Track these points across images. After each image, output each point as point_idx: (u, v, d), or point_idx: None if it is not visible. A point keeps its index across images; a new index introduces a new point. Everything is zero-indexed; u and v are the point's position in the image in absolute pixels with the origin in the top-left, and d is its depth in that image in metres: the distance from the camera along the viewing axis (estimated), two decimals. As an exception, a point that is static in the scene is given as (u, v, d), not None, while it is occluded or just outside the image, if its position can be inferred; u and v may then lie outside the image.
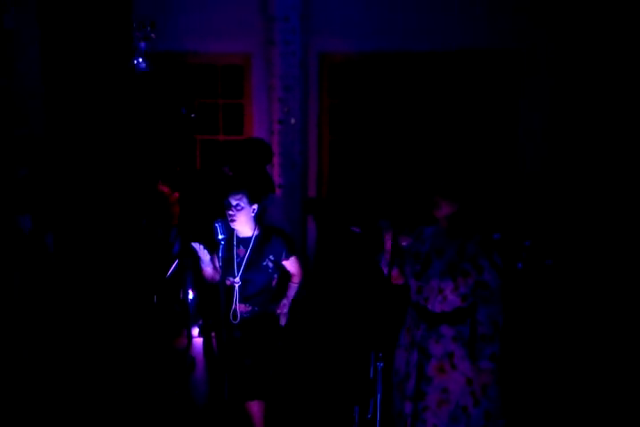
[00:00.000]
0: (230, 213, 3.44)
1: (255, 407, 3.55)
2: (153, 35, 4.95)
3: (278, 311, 3.60)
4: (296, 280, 3.65)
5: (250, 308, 3.53)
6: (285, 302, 3.62)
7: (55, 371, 3.74)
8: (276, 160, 5.65)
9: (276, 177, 5.65)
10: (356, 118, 6.05)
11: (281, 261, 3.54)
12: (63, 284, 3.75)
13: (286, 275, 3.66)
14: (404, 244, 3.08)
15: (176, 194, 5.50)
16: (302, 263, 3.69)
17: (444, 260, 2.92)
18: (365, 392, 2.88)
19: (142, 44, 4.93)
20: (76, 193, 3.66)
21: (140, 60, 4.96)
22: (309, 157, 5.88)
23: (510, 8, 5.62)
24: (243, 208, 3.44)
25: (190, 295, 5.36)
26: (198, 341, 5.30)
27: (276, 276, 3.58)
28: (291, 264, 3.58)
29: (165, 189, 5.48)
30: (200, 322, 5.36)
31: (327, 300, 5.74)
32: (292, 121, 5.40)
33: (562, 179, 5.64)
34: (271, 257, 3.51)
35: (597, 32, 5.39)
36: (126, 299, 4.82)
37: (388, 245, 2.99)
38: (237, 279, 3.51)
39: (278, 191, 5.63)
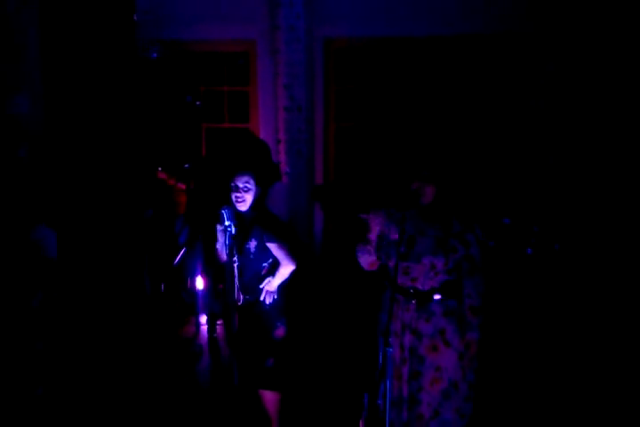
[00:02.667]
0: (237, 194, 3.44)
1: (268, 396, 3.56)
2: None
3: (261, 286, 3.52)
4: (283, 268, 3.52)
5: (242, 296, 3.54)
6: (270, 279, 3.51)
7: (62, 359, 3.74)
8: (282, 147, 5.61)
9: (283, 165, 5.62)
10: (363, 104, 6.00)
11: (265, 243, 3.46)
12: (67, 273, 3.74)
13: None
14: (394, 236, 3.03)
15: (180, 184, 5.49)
16: (296, 253, 3.56)
17: (428, 237, 2.93)
18: (374, 378, 2.88)
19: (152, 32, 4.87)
20: (78, 183, 3.64)
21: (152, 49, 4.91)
22: (316, 143, 5.83)
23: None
24: (250, 189, 3.45)
25: (199, 283, 5.35)
26: (205, 328, 5.30)
27: (265, 265, 3.53)
28: (275, 250, 3.49)
29: (166, 177, 5.46)
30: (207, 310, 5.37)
31: (335, 286, 5.73)
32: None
33: (571, 164, 5.59)
34: (253, 240, 3.47)
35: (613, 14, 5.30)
36: (133, 288, 4.83)
37: (374, 235, 3.02)
38: (235, 260, 3.50)
39: (284, 178, 5.61)
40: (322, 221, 6.05)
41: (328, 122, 5.99)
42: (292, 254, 3.52)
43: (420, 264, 2.92)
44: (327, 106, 5.95)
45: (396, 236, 2.90)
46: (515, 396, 4.00)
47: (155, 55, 4.90)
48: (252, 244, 3.48)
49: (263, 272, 3.52)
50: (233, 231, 3.25)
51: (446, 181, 2.93)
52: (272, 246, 3.48)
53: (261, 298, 3.51)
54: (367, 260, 3.10)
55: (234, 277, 3.50)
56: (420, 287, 2.94)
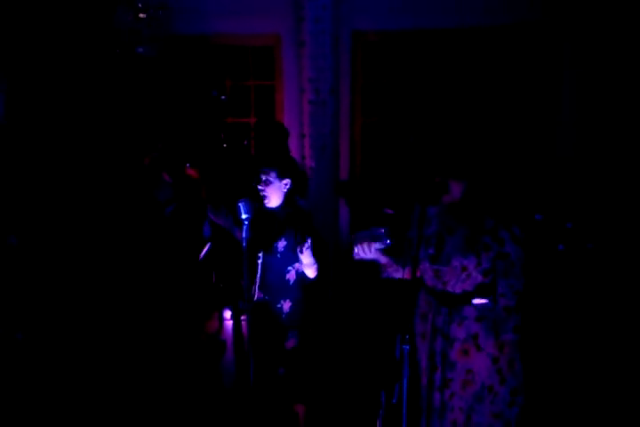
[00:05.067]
0: (260, 187, 3.37)
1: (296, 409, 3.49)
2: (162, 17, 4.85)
3: (279, 306, 3.41)
4: (308, 273, 3.37)
5: (261, 295, 3.45)
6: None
7: (91, 350, 3.76)
8: (306, 142, 5.55)
9: (307, 159, 5.56)
10: (390, 98, 5.90)
11: (296, 246, 3.29)
12: (97, 269, 3.75)
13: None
14: (382, 246, 2.86)
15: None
16: (322, 256, 3.41)
17: (457, 236, 2.76)
18: (391, 377, 2.79)
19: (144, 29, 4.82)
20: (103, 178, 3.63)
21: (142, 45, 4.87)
22: (341, 138, 5.75)
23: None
24: (272, 183, 3.36)
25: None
26: (229, 324, 5.28)
27: (290, 268, 3.41)
28: (303, 254, 3.28)
29: (193, 173, 5.44)
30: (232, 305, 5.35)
31: (357, 283, 5.66)
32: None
33: (605, 161, 5.40)
34: (283, 240, 3.38)
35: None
36: (158, 282, 4.83)
37: (372, 255, 2.82)
38: (260, 255, 3.43)
39: (309, 173, 5.54)
40: (347, 216, 5.97)
41: (354, 116, 5.91)
42: (318, 263, 3.36)
43: (449, 266, 2.76)
44: (353, 100, 5.87)
45: (387, 242, 2.75)
46: (562, 398, 3.86)
47: (154, 52, 4.84)
48: (282, 243, 3.38)
49: (287, 276, 3.41)
50: (246, 224, 3.17)
51: (475, 177, 2.76)
52: (301, 249, 3.30)
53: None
54: (401, 275, 2.91)
55: (256, 273, 3.43)
56: (450, 290, 2.80)
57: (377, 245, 2.78)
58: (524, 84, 5.65)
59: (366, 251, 2.81)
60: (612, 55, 5.29)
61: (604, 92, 5.36)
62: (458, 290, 2.78)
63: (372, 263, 2.95)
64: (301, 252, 3.19)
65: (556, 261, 4.68)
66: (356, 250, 2.84)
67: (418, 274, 2.91)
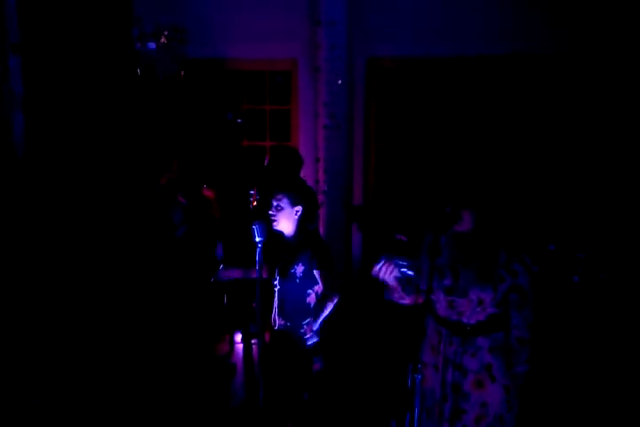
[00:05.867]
0: (271, 212, 3.40)
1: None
2: (180, 41, 4.95)
3: (302, 331, 3.41)
4: (329, 300, 3.38)
5: (283, 321, 3.45)
6: (310, 319, 3.40)
7: (96, 370, 3.75)
8: (320, 166, 5.59)
9: (321, 183, 5.59)
10: (404, 125, 5.94)
11: (312, 270, 3.36)
12: (109, 289, 3.76)
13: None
14: (409, 273, 2.86)
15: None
16: (335, 280, 3.44)
17: (472, 268, 2.76)
18: (402, 406, 2.76)
19: (152, 46, 4.91)
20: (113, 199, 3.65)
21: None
22: (355, 163, 5.78)
23: (561, 13, 5.42)
24: (283, 209, 3.38)
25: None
26: (240, 347, 5.26)
27: (310, 291, 3.40)
28: (319, 278, 3.37)
29: (209, 194, 5.47)
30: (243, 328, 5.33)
31: (374, 311, 5.63)
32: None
33: (616, 190, 5.39)
34: (300, 265, 3.38)
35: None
36: (169, 304, 4.84)
37: (390, 281, 2.79)
38: (276, 283, 3.44)
39: (322, 198, 5.56)
40: (360, 241, 5.98)
41: (369, 141, 5.95)
42: (335, 284, 3.40)
43: (466, 298, 2.75)
44: (368, 125, 5.92)
45: (406, 266, 2.74)
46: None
47: (160, 73, 4.92)
48: (299, 268, 3.38)
49: (308, 300, 3.41)
50: (260, 247, 3.19)
51: (486, 206, 2.76)
52: (318, 274, 3.37)
53: (307, 343, 3.39)
54: (405, 302, 2.94)
55: (273, 299, 3.44)
56: (465, 321, 2.79)
57: (397, 273, 2.78)
58: (537, 112, 5.68)
59: (387, 273, 2.81)
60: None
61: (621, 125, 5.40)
62: (472, 321, 2.77)
63: (381, 283, 2.95)
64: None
65: (570, 291, 4.65)
66: (378, 267, 2.83)
67: (420, 301, 2.90)
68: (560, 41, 5.47)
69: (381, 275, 2.79)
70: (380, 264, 2.76)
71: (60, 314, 3.24)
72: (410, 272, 2.76)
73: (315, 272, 3.38)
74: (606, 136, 5.47)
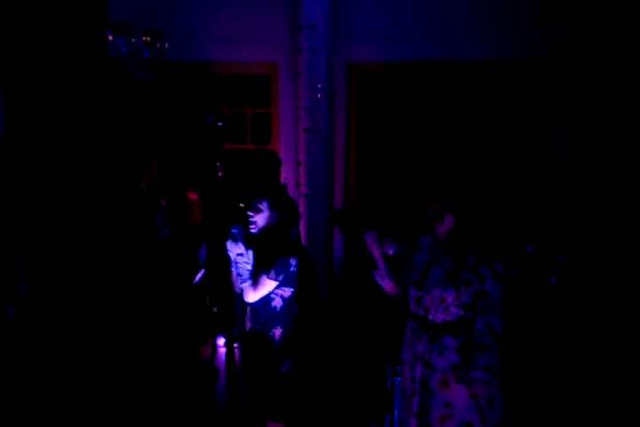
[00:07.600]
0: (250, 213, 3.40)
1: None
2: (158, 44, 4.94)
3: (270, 334, 3.40)
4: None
5: (252, 324, 3.45)
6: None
7: (75, 377, 3.74)
8: (302, 169, 5.60)
9: (302, 186, 5.60)
10: (385, 128, 5.98)
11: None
12: (91, 290, 3.74)
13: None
14: (390, 252, 2.99)
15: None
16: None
17: (442, 267, 2.84)
18: (382, 408, 2.80)
19: (146, 52, 4.91)
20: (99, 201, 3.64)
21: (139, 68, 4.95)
22: (336, 166, 5.81)
23: (544, 17, 5.49)
24: (262, 211, 3.39)
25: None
26: (223, 351, 5.26)
27: (274, 296, 3.37)
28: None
29: (194, 197, 5.46)
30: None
31: (355, 312, 5.67)
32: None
33: (598, 193, 5.45)
34: (263, 270, 3.33)
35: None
36: (151, 307, 4.83)
37: (376, 252, 2.95)
38: (237, 287, 3.44)
39: (303, 201, 5.58)
40: (342, 242, 6.01)
41: (349, 145, 5.98)
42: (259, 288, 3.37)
43: (430, 295, 2.83)
44: (349, 129, 5.95)
45: (392, 250, 2.84)
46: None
47: (152, 78, 4.93)
48: (262, 272, 3.36)
49: (273, 304, 3.38)
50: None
51: (466, 208, 2.83)
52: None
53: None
54: (384, 285, 3.04)
55: (244, 302, 3.44)
56: (431, 318, 2.85)
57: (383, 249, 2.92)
58: (518, 116, 5.74)
59: (376, 241, 2.91)
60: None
61: (597, 126, 5.46)
62: (438, 319, 2.82)
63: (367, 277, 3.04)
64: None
65: (547, 294, 4.69)
66: (370, 236, 2.94)
67: (397, 292, 3.00)
68: (549, 46, 5.52)
69: (370, 242, 2.90)
70: (374, 234, 2.91)
71: (38, 315, 3.22)
72: (391, 251, 2.90)
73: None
74: (587, 140, 5.54)
